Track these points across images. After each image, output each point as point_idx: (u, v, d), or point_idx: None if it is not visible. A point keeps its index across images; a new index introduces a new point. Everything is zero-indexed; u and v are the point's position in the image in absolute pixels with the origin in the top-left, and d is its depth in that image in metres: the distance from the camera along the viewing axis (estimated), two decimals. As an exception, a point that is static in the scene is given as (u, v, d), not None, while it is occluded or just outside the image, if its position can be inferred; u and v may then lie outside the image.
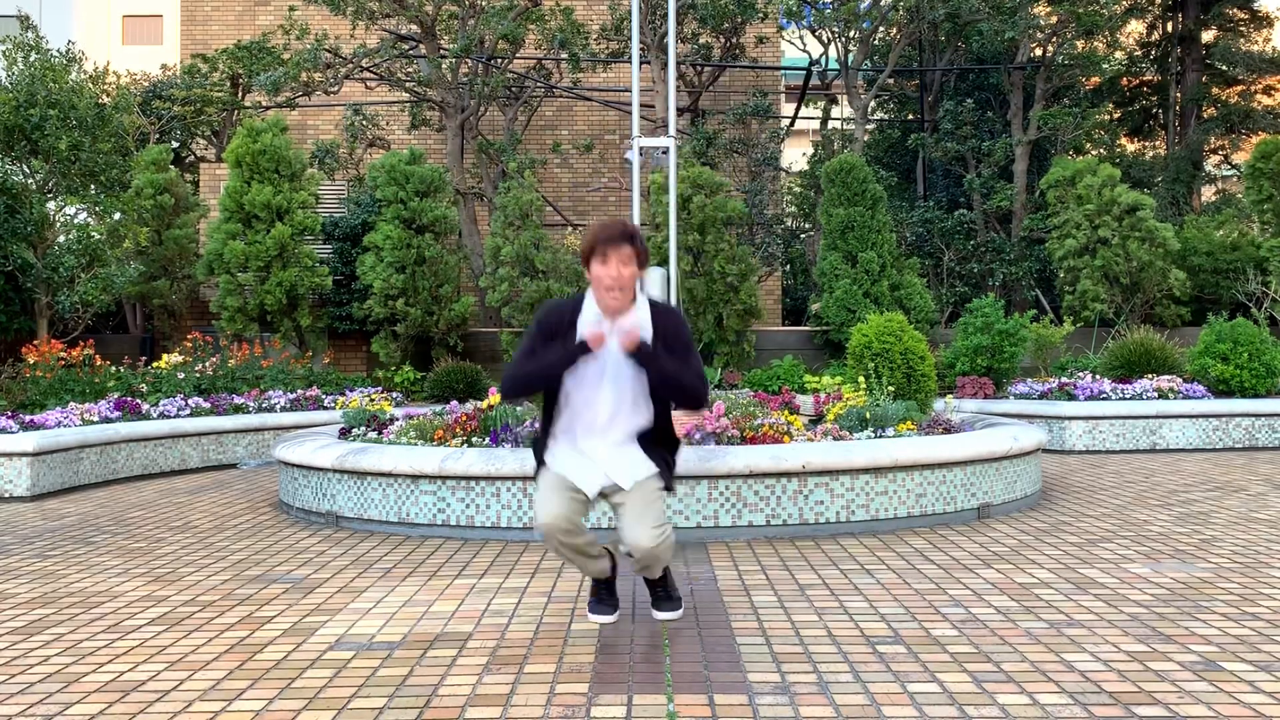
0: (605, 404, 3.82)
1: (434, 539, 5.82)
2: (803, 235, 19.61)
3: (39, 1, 31.38)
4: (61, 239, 13.84)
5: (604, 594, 4.09)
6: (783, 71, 23.29)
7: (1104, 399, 10.00)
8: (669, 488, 3.90)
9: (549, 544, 3.82)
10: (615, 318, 3.77)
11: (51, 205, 14.03)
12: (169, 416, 9.47)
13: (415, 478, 5.94)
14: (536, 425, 4.04)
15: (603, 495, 3.87)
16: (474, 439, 6.42)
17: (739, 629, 3.92)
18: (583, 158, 20.16)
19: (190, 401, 9.83)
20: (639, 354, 3.70)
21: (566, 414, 3.88)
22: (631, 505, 3.80)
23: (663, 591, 4.11)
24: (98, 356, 11.68)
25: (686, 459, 5.63)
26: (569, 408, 3.87)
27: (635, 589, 4.57)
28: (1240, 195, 20.33)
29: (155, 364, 11.73)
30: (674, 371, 3.73)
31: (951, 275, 18.04)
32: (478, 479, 5.80)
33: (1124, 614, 4.06)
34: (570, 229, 18.64)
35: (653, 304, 3.86)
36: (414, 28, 17.03)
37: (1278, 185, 15.63)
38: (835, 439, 6.35)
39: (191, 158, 20.29)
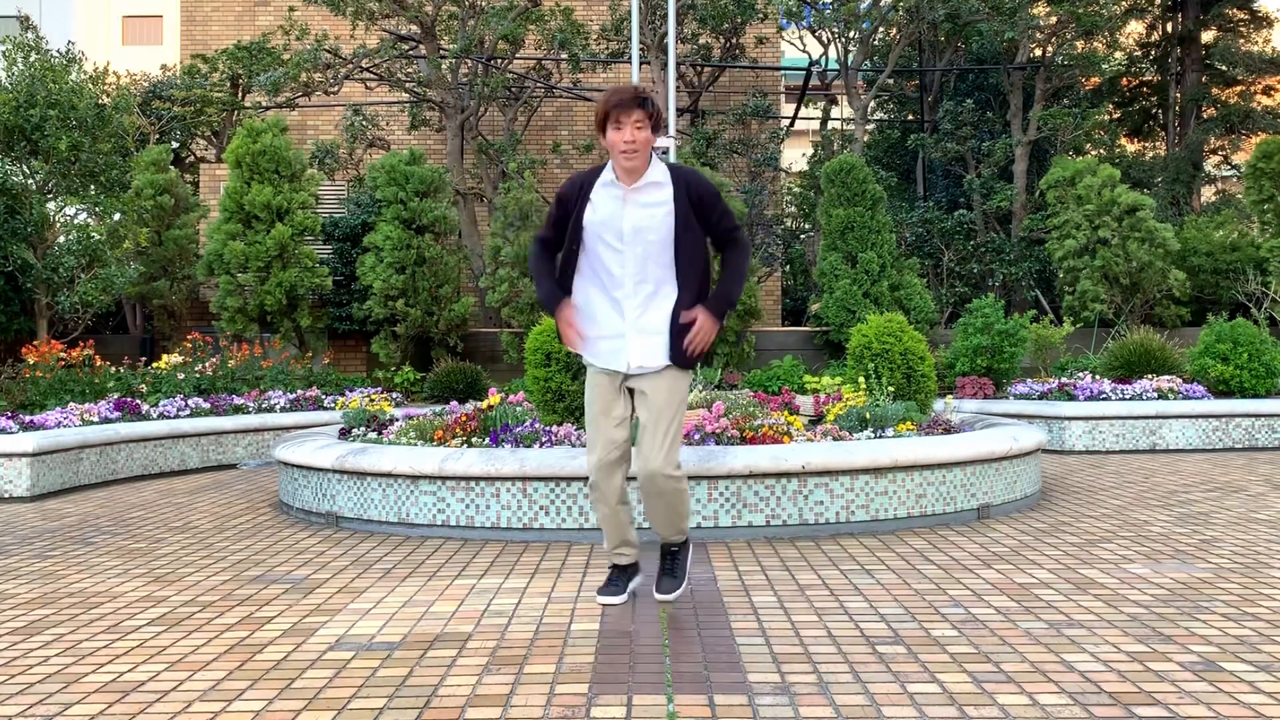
0: (629, 283, 3.96)
1: (434, 539, 5.82)
2: (803, 235, 19.62)
3: (39, 1, 31.39)
4: (61, 239, 13.84)
5: (618, 579, 4.30)
6: (782, 72, 23.28)
7: (1104, 399, 10.00)
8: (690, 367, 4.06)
9: (593, 475, 4.08)
10: (632, 180, 3.93)
11: (51, 206, 14.04)
12: (169, 417, 9.47)
13: (415, 478, 5.94)
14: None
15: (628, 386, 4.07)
16: (474, 439, 6.42)
17: (739, 629, 3.92)
18: (582, 158, 20.16)
19: (190, 402, 9.83)
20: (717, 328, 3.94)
21: (584, 294, 4.03)
22: (649, 406, 3.99)
23: (669, 563, 4.27)
24: (98, 357, 11.68)
25: (686, 459, 5.63)
26: (591, 288, 4.02)
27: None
28: (1240, 195, 20.33)
29: (155, 364, 11.73)
30: (736, 283, 3.95)
31: (951, 275, 18.04)
32: (477, 479, 5.80)
33: (1124, 614, 4.06)
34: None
35: (670, 165, 3.99)
36: (414, 28, 17.03)
37: (1278, 185, 15.64)
38: (835, 439, 6.35)
39: (191, 158, 20.28)
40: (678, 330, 3.96)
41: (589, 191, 3.95)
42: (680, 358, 3.99)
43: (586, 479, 5.67)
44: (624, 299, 3.95)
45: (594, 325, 4.02)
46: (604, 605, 4.27)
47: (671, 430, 3.98)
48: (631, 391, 4.09)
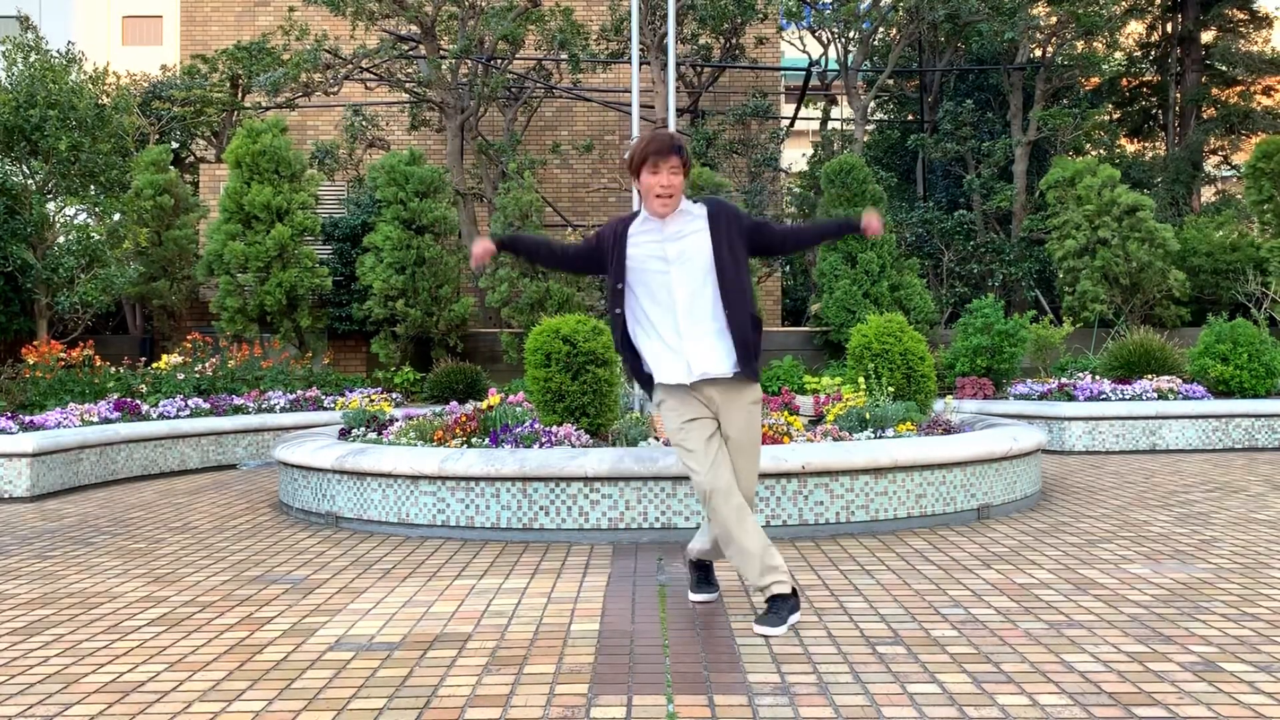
0: (682, 298, 4.04)
1: (434, 539, 5.82)
2: (802, 236, 19.57)
3: (39, 2, 31.39)
4: (61, 240, 13.85)
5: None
6: (782, 72, 23.29)
7: (1104, 399, 10.00)
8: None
9: (716, 506, 3.97)
10: (662, 219, 4.06)
11: (51, 206, 14.04)
12: (168, 417, 9.47)
13: (415, 478, 5.94)
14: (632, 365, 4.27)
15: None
16: (474, 440, 6.42)
17: (739, 629, 3.92)
18: (582, 158, 20.16)
19: (190, 402, 9.83)
20: None
21: (642, 329, 4.14)
22: (742, 441, 4.09)
23: (705, 573, 4.43)
24: (97, 357, 11.68)
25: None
26: (648, 312, 4.10)
27: (635, 589, 4.57)
28: (1240, 195, 20.33)
29: (155, 365, 11.73)
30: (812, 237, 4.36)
31: (951, 276, 18.04)
32: (477, 479, 5.80)
33: (1124, 614, 4.06)
34: (570, 229, 18.63)
35: (709, 202, 4.13)
36: (414, 28, 17.03)
37: (1278, 185, 15.63)
38: (835, 440, 6.35)
39: (191, 158, 20.28)
40: (741, 343, 4.00)
41: (626, 233, 4.09)
42: (748, 369, 4.02)
43: (588, 479, 5.67)
44: (679, 313, 4.03)
45: (655, 346, 4.08)
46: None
47: (757, 461, 4.16)
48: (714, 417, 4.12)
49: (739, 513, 3.91)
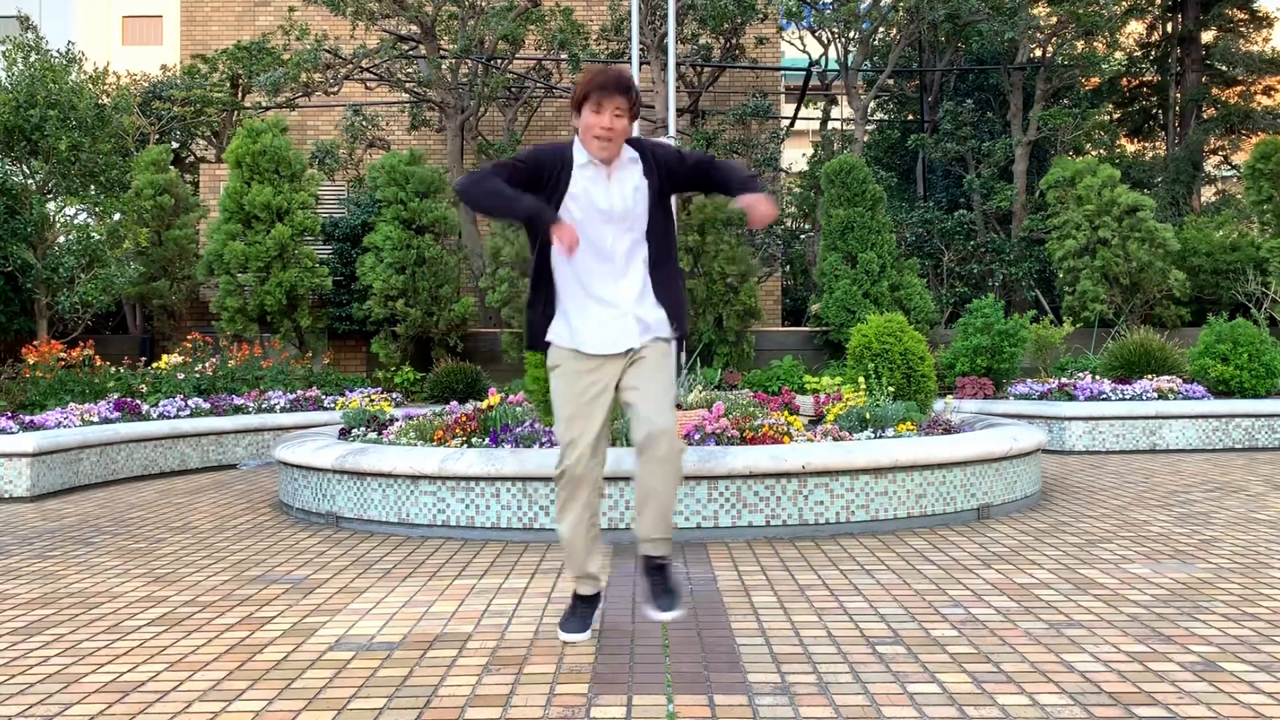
0: (620, 260, 3.73)
1: (434, 539, 5.82)
2: (803, 235, 19.62)
3: (39, 2, 31.38)
4: (61, 239, 13.85)
5: (582, 609, 3.84)
6: (782, 72, 23.28)
7: (1104, 399, 10.00)
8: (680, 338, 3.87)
9: (568, 484, 3.70)
10: (610, 162, 3.70)
11: (51, 206, 14.05)
12: (169, 417, 9.47)
13: (415, 478, 5.94)
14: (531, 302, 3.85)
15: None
16: (474, 439, 6.42)
17: (739, 629, 3.92)
18: (582, 158, 20.14)
19: (190, 402, 9.83)
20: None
21: (570, 279, 3.75)
22: (644, 372, 3.71)
23: (661, 579, 3.77)
24: (97, 357, 11.68)
25: (686, 459, 5.63)
26: (581, 268, 3.73)
27: (635, 589, 4.57)
28: (1240, 196, 20.34)
29: (155, 364, 11.73)
30: (738, 168, 3.76)
31: (951, 276, 18.04)
32: (477, 479, 5.80)
33: (1124, 614, 4.06)
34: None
35: (635, 142, 3.78)
36: (414, 28, 17.03)
37: (1277, 186, 15.63)
38: (835, 439, 6.35)
39: (191, 158, 20.29)
40: (675, 313, 3.80)
41: (570, 170, 3.70)
42: (679, 330, 3.84)
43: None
44: (619, 276, 3.73)
45: (585, 307, 3.74)
46: (564, 641, 3.81)
47: (671, 392, 3.73)
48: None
49: (585, 511, 3.74)
